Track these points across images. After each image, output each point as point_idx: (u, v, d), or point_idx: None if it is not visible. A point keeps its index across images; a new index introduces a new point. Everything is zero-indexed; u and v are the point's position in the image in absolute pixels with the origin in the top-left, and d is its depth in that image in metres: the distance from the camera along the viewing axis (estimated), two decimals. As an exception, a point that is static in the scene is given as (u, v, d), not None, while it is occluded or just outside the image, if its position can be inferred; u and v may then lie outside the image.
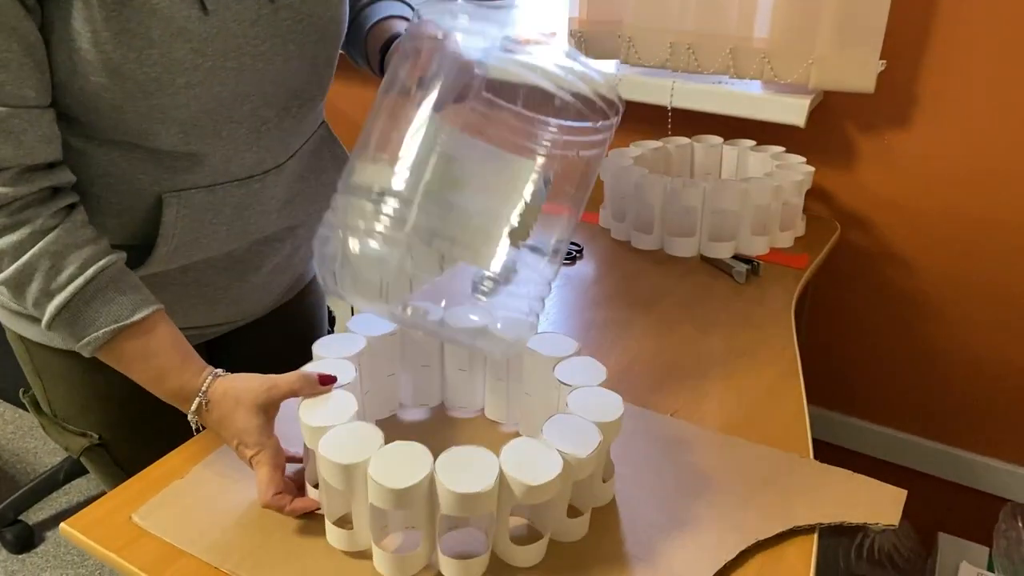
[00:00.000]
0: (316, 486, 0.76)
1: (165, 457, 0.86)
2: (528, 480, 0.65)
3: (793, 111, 1.38)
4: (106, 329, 0.76)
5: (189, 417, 0.78)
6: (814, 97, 1.39)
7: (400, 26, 0.95)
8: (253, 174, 0.89)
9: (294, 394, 0.75)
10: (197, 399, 0.77)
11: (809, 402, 0.97)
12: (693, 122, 1.51)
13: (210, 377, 0.78)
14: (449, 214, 0.66)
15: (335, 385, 0.76)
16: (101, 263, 0.77)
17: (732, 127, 1.49)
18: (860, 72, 1.31)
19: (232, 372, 0.79)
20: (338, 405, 0.74)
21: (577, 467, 0.69)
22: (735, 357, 1.04)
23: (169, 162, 0.82)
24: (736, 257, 1.27)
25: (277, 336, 0.85)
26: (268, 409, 0.76)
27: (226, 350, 1.05)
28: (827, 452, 1.64)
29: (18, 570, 1.80)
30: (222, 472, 0.83)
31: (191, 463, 0.85)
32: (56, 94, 0.75)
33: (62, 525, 0.80)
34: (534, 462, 0.67)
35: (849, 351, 1.59)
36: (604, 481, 0.78)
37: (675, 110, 1.49)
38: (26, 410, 1.32)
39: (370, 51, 0.95)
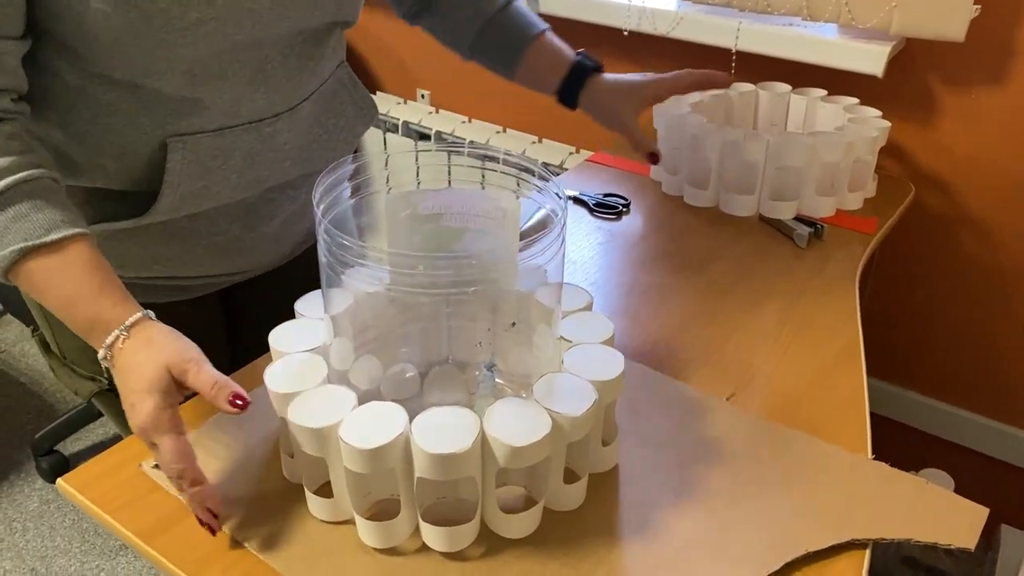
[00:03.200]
0: (292, 456, 0.71)
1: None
2: (511, 441, 0.61)
3: (871, 59, 1.25)
4: (13, 248, 0.67)
5: (100, 354, 0.68)
6: (895, 44, 1.26)
7: (564, 49, 1.07)
8: (263, 117, 0.82)
9: (202, 389, 0.64)
10: (116, 332, 0.66)
11: (866, 373, 0.89)
12: (759, 68, 1.40)
13: (140, 314, 0.68)
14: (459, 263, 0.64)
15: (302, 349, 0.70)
16: (22, 175, 0.68)
17: (802, 75, 1.37)
18: (949, 17, 1.18)
19: (248, 323, 0.73)
20: (307, 369, 0.69)
21: (569, 428, 0.64)
22: (791, 331, 0.95)
23: (173, 105, 0.76)
24: (798, 219, 1.17)
25: (295, 286, 0.79)
26: (175, 374, 0.65)
27: (241, 299, 1.00)
28: (883, 426, 1.55)
29: (53, 499, 1.82)
30: (239, 425, 0.79)
31: (207, 415, 0.80)
32: (52, 24, 0.69)
33: (59, 481, 0.76)
34: (520, 423, 0.62)
35: (915, 321, 1.48)
36: (605, 445, 0.73)
37: (740, 54, 1.37)
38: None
39: (540, 70, 1.06)
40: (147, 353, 0.65)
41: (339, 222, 0.70)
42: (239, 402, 0.63)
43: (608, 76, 1.07)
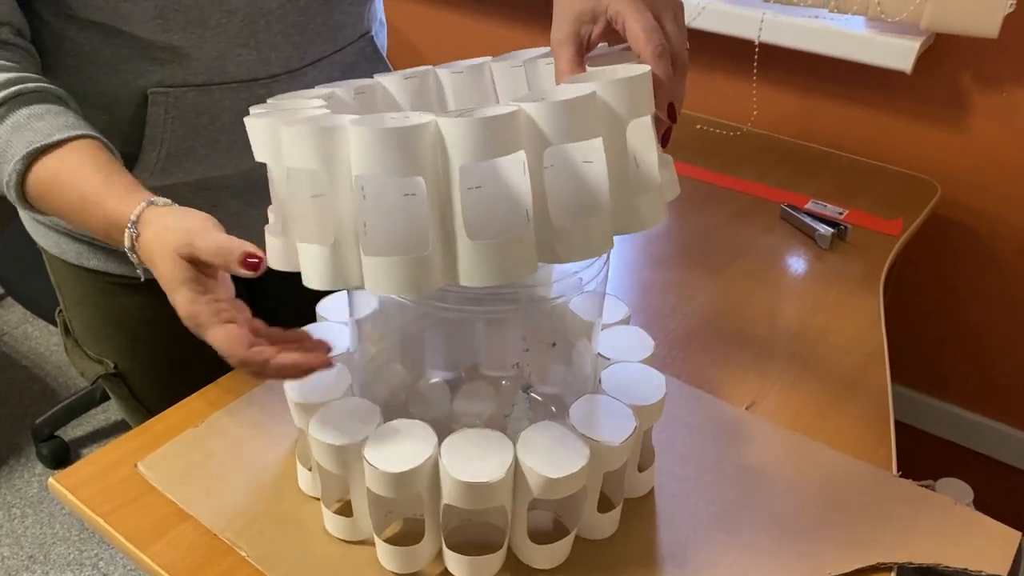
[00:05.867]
0: (310, 468, 0.68)
1: (179, 404, 0.80)
2: (546, 472, 0.56)
3: (899, 54, 1.21)
4: (19, 157, 0.63)
5: (130, 256, 0.62)
6: (925, 39, 1.22)
7: None
8: (256, 77, 0.77)
9: (211, 263, 0.58)
10: (127, 232, 0.61)
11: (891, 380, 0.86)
12: (783, 61, 1.35)
13: (143, 204, 0.61)
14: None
15: (330, 358, 0.65)
16: (20, 87, 0.65)
17: (827, 69, 1.33)
18: (983, 12, 1.14)
19: (269, 313, 0.69)
20: (329, 379, 0.64)
21: (607, 457, 0.60)
22: (812, 335, 0.92)
23: (152, 52, 0.73)
24: (820, 219, 1.13)
25: None
26: (184, 256, 0.59)
27: (261, 291, 0.97)
28: (899, 433, 1.51)
29: (53, 485, 1.80)
30: (240, 423, 0.76)
31: (209, 411, 0.78)
32: None
33: (50, 480, 0.73)
34: (556, 451, 0.58)
35: (936, 326, 1.44)
36: (641, 471, 0.69)
37: (763, 46, 1.33)
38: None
39: None
40: (158, 246, 0.59)
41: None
42: (252, 261, 0.56)
43: None
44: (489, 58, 0.71)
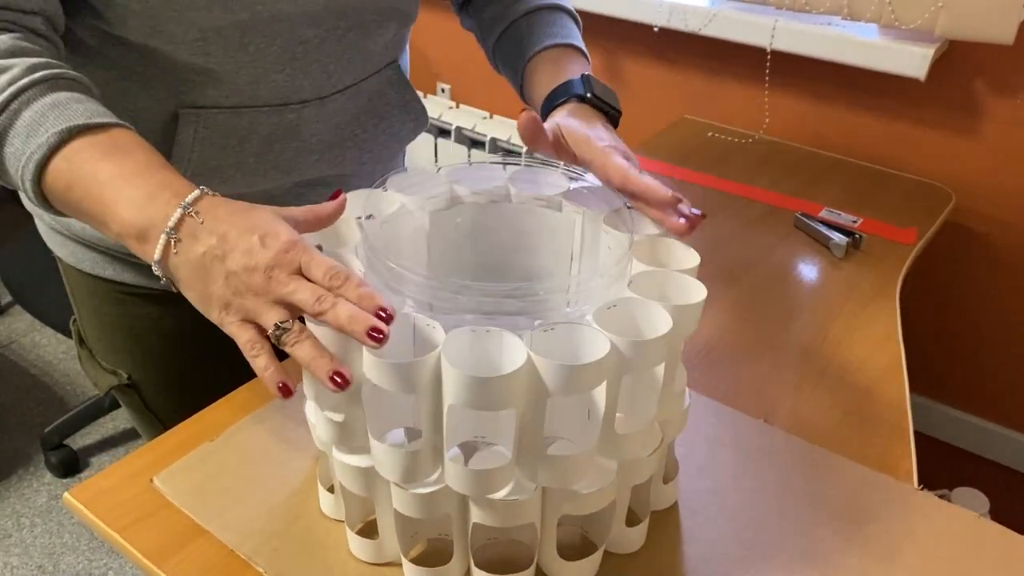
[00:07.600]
0: (331, 490, 0.67)
1: (194, 418, 0.79)
2: (575, 488, 0.57)
3: (913, 61, 1.21)
4: (55, 130, 0.58)
5: (174, 217, 0.56)
6: (939, 46, 1.21)
7: (573, 67, 0.79)
8: (288, 102, 0.77)
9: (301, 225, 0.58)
10: (198, 191, 0.57)
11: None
12: (795, 68, 1.35)
13: (203, 188, 0.58)
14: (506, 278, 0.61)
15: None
16: (60, 71, 0.60)
17: (840, 76, 1.32)
18: (998, 19, 1.14)
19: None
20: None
21: (635, 469, 0.60)
22: (829, 346, 0.91)
23: (188, 74, 0.72)
24: (835, 227, 1.13)
25: None
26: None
27: None
28: (922, 444, 1.50)
29: (62, 494, 1.79)
30: (256, 437, 0.75)
31: (224, 425, 0.77)
32: None
33: (66, 495, 0.73)
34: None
35: (951, 334, 1.43)
36: (666, 483, 0.68)
37: (775, 53, 1.32)
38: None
39: (526, 86, 0.83)
40: (242, 203, 0.57)
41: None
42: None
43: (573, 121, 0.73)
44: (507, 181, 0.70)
